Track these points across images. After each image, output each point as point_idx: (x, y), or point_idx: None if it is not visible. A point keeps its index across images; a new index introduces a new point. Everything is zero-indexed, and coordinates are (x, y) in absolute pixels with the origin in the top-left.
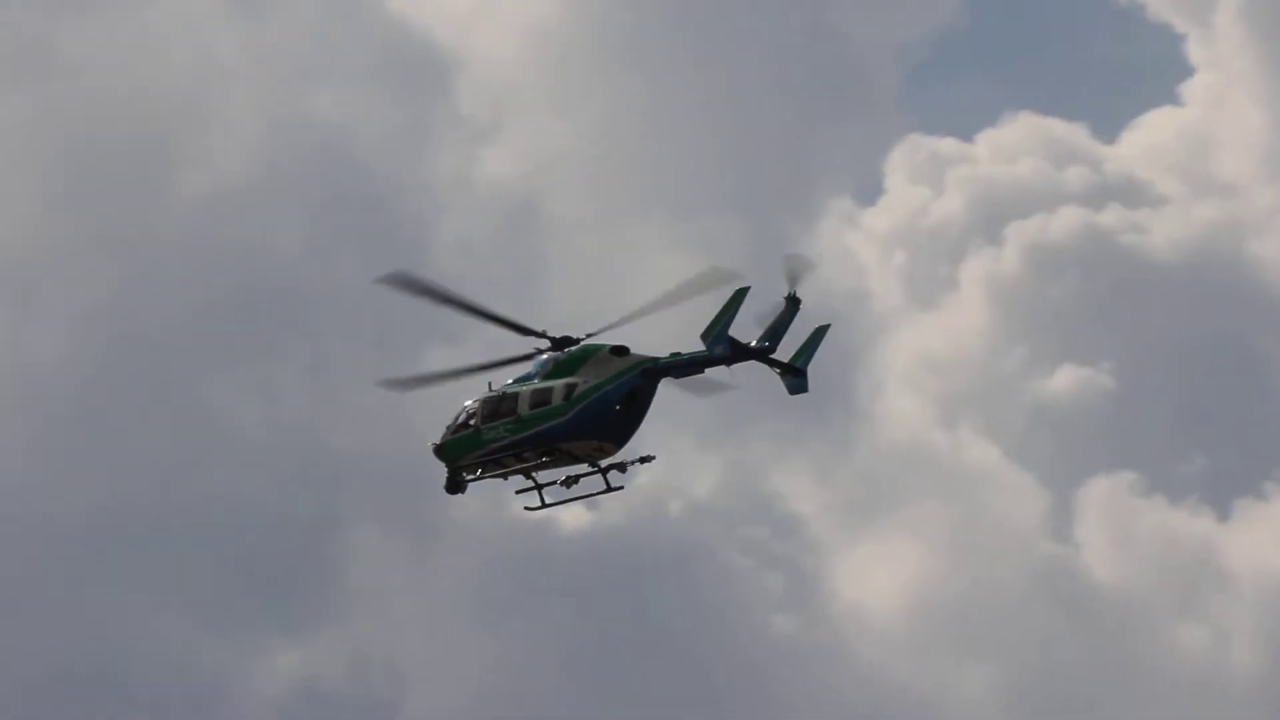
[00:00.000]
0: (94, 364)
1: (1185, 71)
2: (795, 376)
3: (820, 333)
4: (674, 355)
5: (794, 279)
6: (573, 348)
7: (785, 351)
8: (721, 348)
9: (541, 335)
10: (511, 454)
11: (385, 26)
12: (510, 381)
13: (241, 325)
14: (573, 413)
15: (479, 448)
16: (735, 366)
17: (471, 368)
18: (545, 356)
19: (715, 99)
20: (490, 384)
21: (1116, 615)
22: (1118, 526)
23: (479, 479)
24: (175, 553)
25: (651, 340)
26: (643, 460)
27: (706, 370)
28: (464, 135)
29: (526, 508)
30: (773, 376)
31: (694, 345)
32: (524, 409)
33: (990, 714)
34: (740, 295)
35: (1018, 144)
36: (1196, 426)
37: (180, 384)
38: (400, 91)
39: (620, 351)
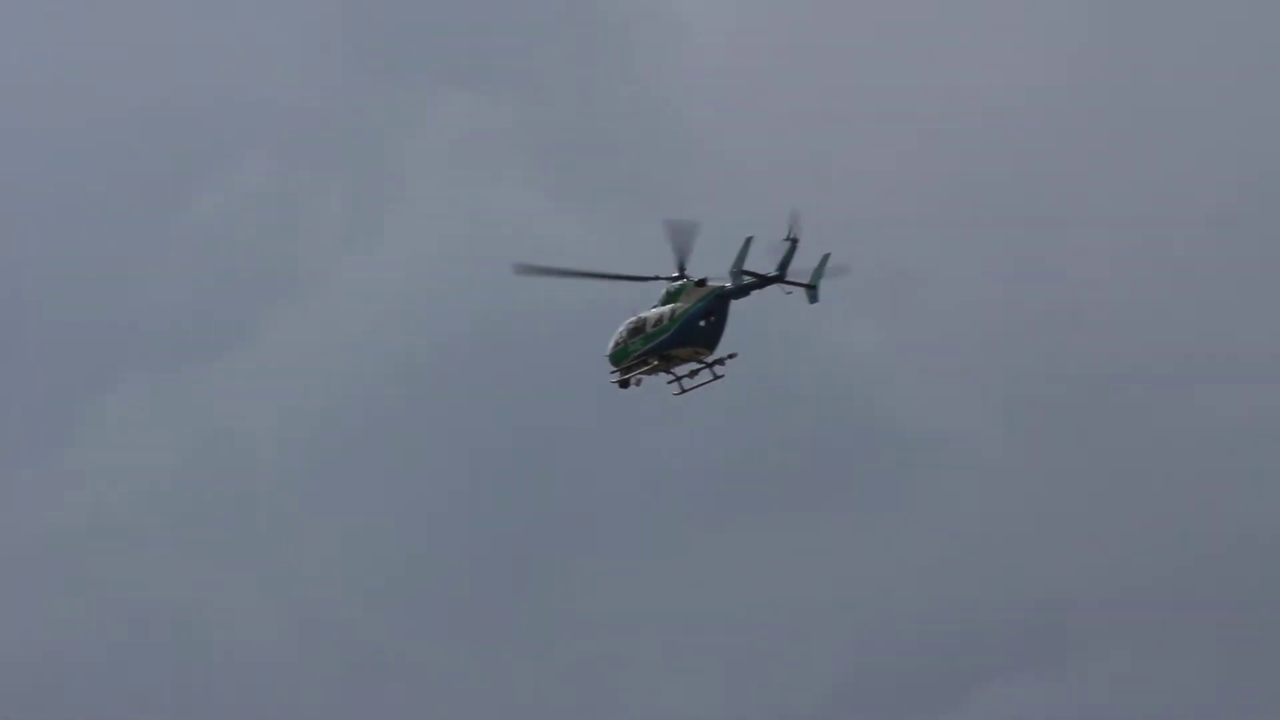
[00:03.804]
0: None
1: None
2: (811, 290)
3: (825, 259)
4: (734, 284)
5: (790, 227)
6: (676, 284)
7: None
8: (740, 279)
9: (655, 279)
10: (644, 359)
11: None
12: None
13: None
14: (675, 328)
15: (627, 356)
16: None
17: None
18: (666, 289)
19: None
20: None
21: None
22: None
23: (637, 375)
24: None
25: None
26: (730, 356)
27: (751, 292)
28: None
29: (673, 394)
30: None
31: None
32: (649, 328)
33: None
34: (748, 242)
35: None
36: None
37: None
38: None
39: (701, 283)
